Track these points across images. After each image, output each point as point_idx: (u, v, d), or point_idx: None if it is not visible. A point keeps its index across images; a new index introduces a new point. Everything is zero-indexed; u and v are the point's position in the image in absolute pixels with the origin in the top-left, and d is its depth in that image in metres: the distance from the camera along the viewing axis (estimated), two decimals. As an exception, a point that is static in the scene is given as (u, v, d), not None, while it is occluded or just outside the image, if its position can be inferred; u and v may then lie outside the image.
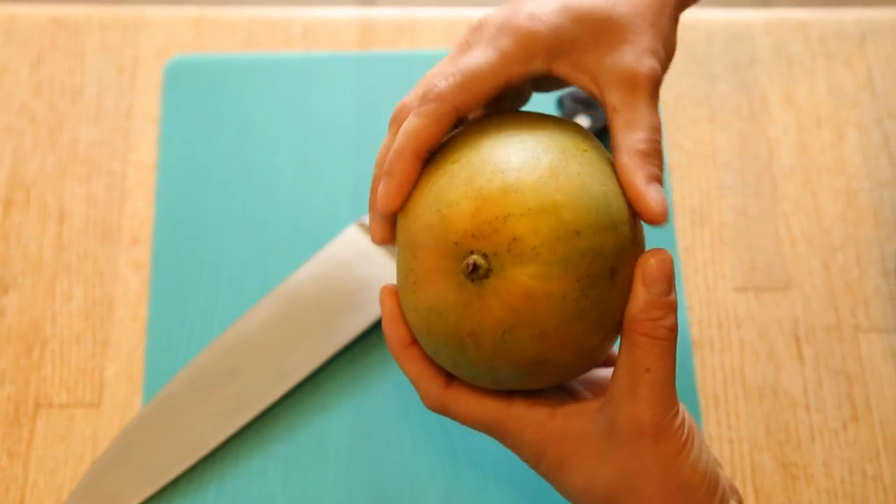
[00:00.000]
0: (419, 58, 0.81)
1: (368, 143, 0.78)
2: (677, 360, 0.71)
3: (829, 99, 0.80)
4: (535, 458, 0.56)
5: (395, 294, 0.56)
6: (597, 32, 0.56)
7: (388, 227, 0.56)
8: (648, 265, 0.53)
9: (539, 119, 0.56)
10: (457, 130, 0.56)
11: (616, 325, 0.54)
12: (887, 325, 0.72)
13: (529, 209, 0.51)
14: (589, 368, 0.55)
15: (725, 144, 0.78)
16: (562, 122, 0.56)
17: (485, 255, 0.51)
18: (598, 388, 0.58)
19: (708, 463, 0.54)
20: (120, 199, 0.76)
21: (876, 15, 0.83)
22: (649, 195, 0.53)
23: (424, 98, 0.55)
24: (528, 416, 0.55)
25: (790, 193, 0.77)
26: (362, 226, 0.73)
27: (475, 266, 0.51)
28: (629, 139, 0.54)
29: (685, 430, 0.54)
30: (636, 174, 0.53)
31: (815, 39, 0.82)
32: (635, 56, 0.55)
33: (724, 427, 0.69)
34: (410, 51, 0.82)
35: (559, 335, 0.52)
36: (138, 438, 0.68)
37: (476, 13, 0.83)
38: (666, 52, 0.58)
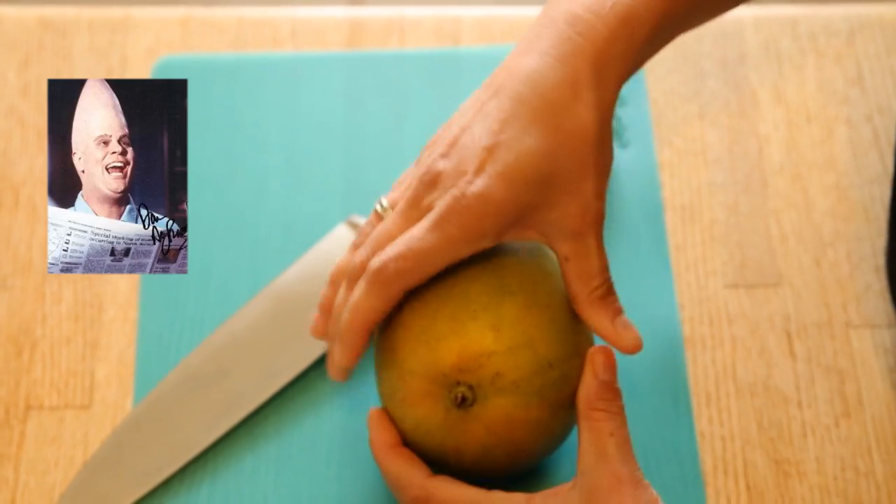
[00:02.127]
0: (408, 57, 0.81)
1: (358, 142, 0.78)
2: (668, 357, 0.71)
3: (819, 95, 0.80)
4: None
5: (383, 416, 0.62)
6: (542, 192, 0.59)
7: (345, 376, 0.63)
8: (597, 359, 0.60)
9: (508, 248, 0.62)
10: None
11: (572, 428, 0.63)
12: (878, 320, 0.72)
13: (510, 347, 0.59)
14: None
15: (715, 141, 0.78)
16: (521, 245, 0.63)
17: (470, 387, 0.59)
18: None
19: None
20: (109, 200, 0.76)
21: (865, 10, 0.83)
22: (620, 334, 0.61)
23: (376, 277, 0.60)
24: (508, 500, 0.59)
25: (780, 190, 0.77)
26: (351, 224, 0.73)
27: (463, 398, 0.59)
28: (586, 290, 0.60)
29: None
30: (603, 320, 0.61)
31: (804, 35, 0.82)
32: (581, 207, 0.59)
33: (716, 424, 0.69)
34: (400, 50, 0.82)
35: (530, 450, 0.61)
36: (129, 439, 0.68)
37: (464, 12, 0.83)
38: (607, 173, 0.60)
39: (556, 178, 0.59)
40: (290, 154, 0.78)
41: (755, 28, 0.82)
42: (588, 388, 0.60)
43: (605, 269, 0.61)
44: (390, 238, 0.61)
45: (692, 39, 0.81)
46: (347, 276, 0.62)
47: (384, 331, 0.62)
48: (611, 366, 0.60)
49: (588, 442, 0.59)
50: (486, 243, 0.60)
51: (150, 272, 0.73)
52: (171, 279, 0.73)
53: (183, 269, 0.73)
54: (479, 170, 0.58)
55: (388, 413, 0.63)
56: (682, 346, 0.71)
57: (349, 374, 0.63)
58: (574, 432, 0.68)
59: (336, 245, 0.73)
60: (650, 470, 0.67)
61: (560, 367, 0.60)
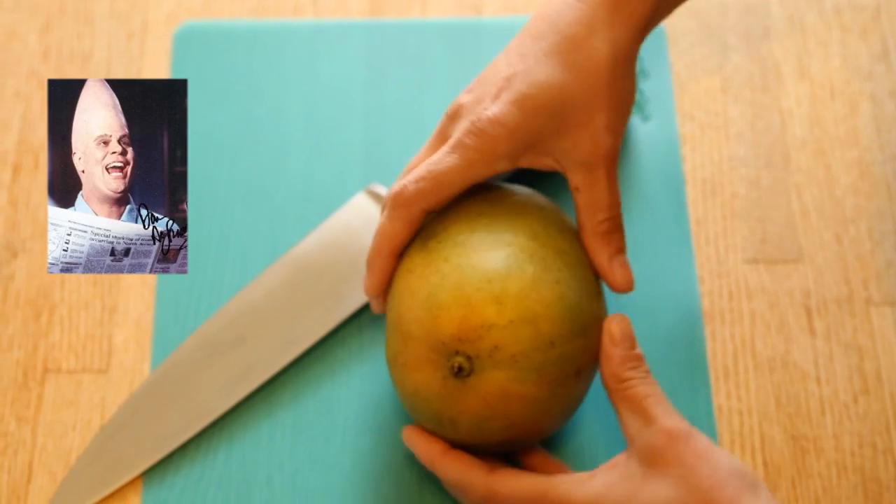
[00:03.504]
0: (430, 26, 0.81)
1: (378, 111, 0.78)
2: (687, 331, 0.71)
3: (843, 70, 0.79)
4: None
5: (418, 429, 0.63)
6: (554, 120, 0.61)
7: (380, 305, 0.65)
8: (614, 329, 0.61)
9: (524, 208, 0.62)
10: (448, 209, 0.63)
11: (575, 407, 0.63)
12: (899, 298, 0.72)
13: (511, 321, 0.59)
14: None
15: (738, 116, 0.78)
16: (542, 207, 0.63)
17: (469, 358, 0.59)
18: None
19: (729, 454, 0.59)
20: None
21: (891, -14, 0.82)
22: (615, 272, 0.62)
23: (396, 201, 0.61)
24: (571, 481, 0.59)
25: (803, 165, 0.76)
26: (371, 193, 0.73)
27: (460, 368, 0.59)
28: (592, 221, 0.62)
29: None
30: (601, 254, 0.62)
31: (829, 10, 0.81)
32: (591, 138, 0.61)
33: (733, 399, 0.69)
34: (421, 19, 0.81)
35: (527, 425, 0.61)
36: (146, 404, 0.68)
37: (488, -19, 0.83)
38: (623, 112, 0.62)
39: (568, 109, 0.61)
40: (310, 122, 0.77)
41: (780, 2, 0.81)
42: (611, 361, 0.61)
43: (614, 204, 0.62)
44: (416, 166, 0.63)
45: (716, 13, 0.81)
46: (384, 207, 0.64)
47: (393, 294, 0.62)
48: (628, 333, 0.61)
49: (628, 411, 0.60)
50: (503, 166, 0.62)
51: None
52: (189, 245, 0.73)
53: (202, 236, 0.73)
54: (495, 97, 0.61)
55: (391, 376, 0.63)
56: (701, 320, 0.71)
57: (383, 303, 0.64)
58: (579, 414, 0.68)
59: (355, 214, 0.72)
60: (667, 443, 0.67)
61: (562, 346, 0.60)
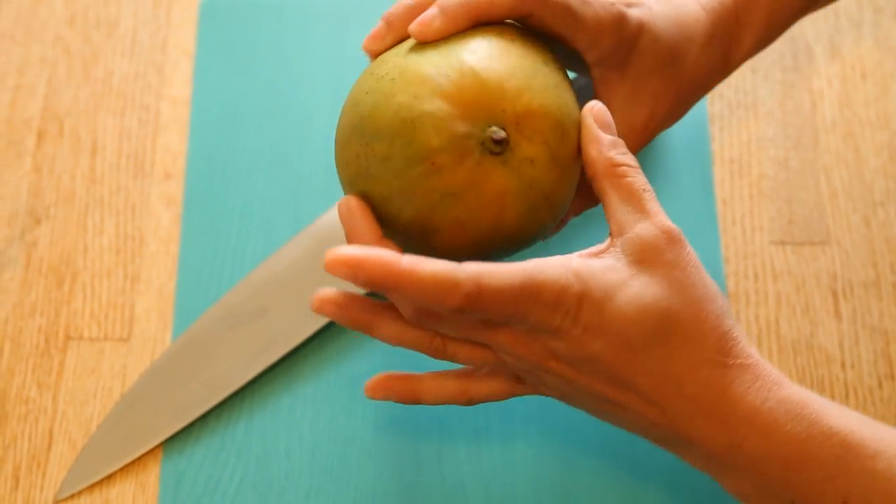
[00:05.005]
0: (458, -1, 0.80)
1: (404, 84, 0.77)
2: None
3: (875, 52, 0.78)
4: (577, 306, 0.52)
5: (362, 209, 0.54)
6: None
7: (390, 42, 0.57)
8: (598, 112, 0.56)
9: (545, 52, 0.58)
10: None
11: (561, 210, 0.57)
12: (926, 282, 0.71)
13: (542, 105, 0.54)
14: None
15: (767, 95, 0.77)
16: (545, 42, 0.59)
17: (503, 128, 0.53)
18: None
19: None
20: (153, 134, 0.76)
21: (926, -33, 0.81)
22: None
23: None
24: (552, 263, 0.53)
25: (832, 147, 0.75)
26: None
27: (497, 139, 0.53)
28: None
29: None
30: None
31: (862, -10, 0.80)
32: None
33: (757, 381, 0.69)
34: (450, -9, 0.81)
35: (544, 198, 0.55)
36: (167, 374, 0.68)
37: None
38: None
39: None
40: (336, 93, 0.77)
41: (813, -19, 0.80)
42: (601, 143, 0.55)
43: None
44: None
45: (748, -9, 0.80)
46: None
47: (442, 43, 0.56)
48: (611, 121, 0.56)
49: (619, 200, 0.55)
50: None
51: (193, 207, 0.73)
52: (213, 215, 0.73)
53: (225, 206, 0.73)
54: None
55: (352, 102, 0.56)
56: (727, 300, 0.71)
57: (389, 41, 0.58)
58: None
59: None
60: (689, 424, 0.67)
61: (575, 135, 0.56)
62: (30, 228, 0.73)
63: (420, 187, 0.54)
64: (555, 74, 0.57)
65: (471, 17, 0.56)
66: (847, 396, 0.68)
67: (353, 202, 0.55)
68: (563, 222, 0.61)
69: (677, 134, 0.75)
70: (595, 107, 0.56)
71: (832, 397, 0.68)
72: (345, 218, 0.55)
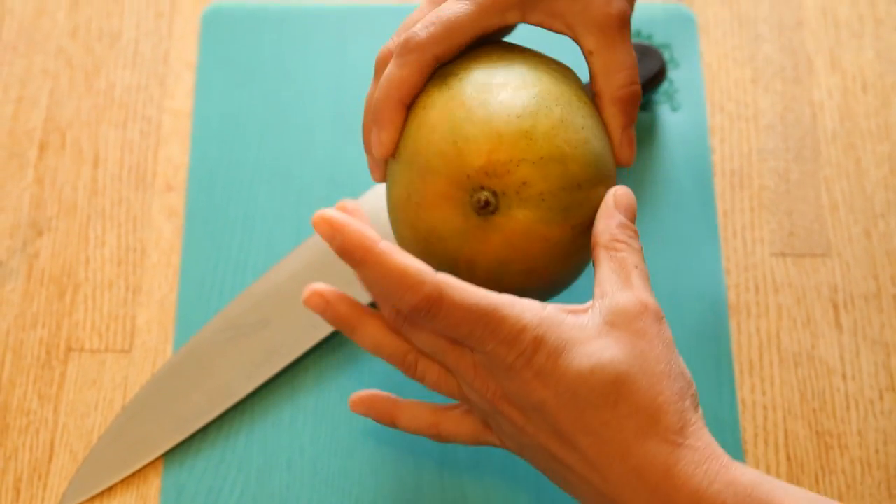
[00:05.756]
0: (460, 11, 0.80)
1: (406, 96, 0.77)
2: (712, 323, 0.70)
3: (876, 63, 0.78)
4: (533, 347, 0.53)
5: (335, 215, 0.54)
6: None
7: (382, 171, 0.60)
8: (620, 194, 0.58)
9: (541, 61, 0.60)
10: (465, 53, 0.59)
11: (588, 262, 0.60)
12: (927, 294, 0.71)
13: (542, 157, 0.56)
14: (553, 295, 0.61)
15: (768, 107, 0.77)
16: (559, 64, 0.61)
17: (494, 193, 0.56)
18: None
19: None
20: (155, 146, 0.76)
21: (927, -21, 0.81)
22: (623, 144, 0.60)
23: (405, 47, 0.58)
24: (524, 303, 0.54)
25: (833, 158, 0.76)
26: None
27: (486, 202, 0.56)
28: (611, 85, 0.59)
29: None
30: (616, 121, 0.60)
31: (863, 2, 0.80)
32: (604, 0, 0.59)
33: (758, 393, 0.69)
34: (451, 3, 0.81)
35: (546, 271, 0.58)
36: (168, 385, 0.68)
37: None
38: None
39: None
40: (338, 106, 0.77)
41: (813, -7, 0.81)
42: (609, 220, 0.57)
43: (631, 66, 0.59)
44: (417, 22, 0.60)
45: (749, 3, 0.80)
46: (377, 67, 0.60)
47: (405, 137, 0.58)
48: (633, 207, 0.58)
49: (610, 270, 0.56)
50: (514, 17, 0.59)
51: (194, 219, 0.73)
52: (214, 226, 0.73)
53: (227, 217, 0.73)
54: None
55: (392, 223, 0.59)
56: (727, 312, 0.71)
57: (384, 167, 0.60)
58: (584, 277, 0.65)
59: (382, 199, 0.72)
60: (690, 436, 0.67)
61: (588, 190, 0.57)
62: (31, 240, 0.73)
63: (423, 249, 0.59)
64: (579, 112, 0.58)
65: (402, 102, 0.58)
66: (847, 408, 0.68)
67: (341, 213, 0.56)
68: None
69: (678, 146, 0.76)
70: (619, 190, 0.58)
71: (832, 409, 0.68)
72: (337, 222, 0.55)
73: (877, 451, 0.67)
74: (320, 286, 0.57)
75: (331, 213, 0.54)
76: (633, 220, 0.58)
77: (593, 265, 0.57)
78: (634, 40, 0.77)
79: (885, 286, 0.72)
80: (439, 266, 0.58)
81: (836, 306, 0.71)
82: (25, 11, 0.80)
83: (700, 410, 0.54)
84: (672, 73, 0.77)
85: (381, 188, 0.72)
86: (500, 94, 0.57)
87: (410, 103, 0.58)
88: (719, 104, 0.77)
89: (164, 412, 0.67)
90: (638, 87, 0.60)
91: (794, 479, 0.66)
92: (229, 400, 0.68)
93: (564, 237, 0.57)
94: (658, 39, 0.78)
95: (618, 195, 0.58)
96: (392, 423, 0.60)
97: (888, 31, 0.79)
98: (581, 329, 0.54)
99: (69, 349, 0.70)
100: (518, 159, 0.56)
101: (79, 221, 0.74)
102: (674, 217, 0.73)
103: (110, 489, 0.66)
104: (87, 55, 0.79)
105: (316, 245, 0.71)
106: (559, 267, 0.58)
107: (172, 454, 0.67)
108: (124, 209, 0.74)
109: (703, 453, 0.53)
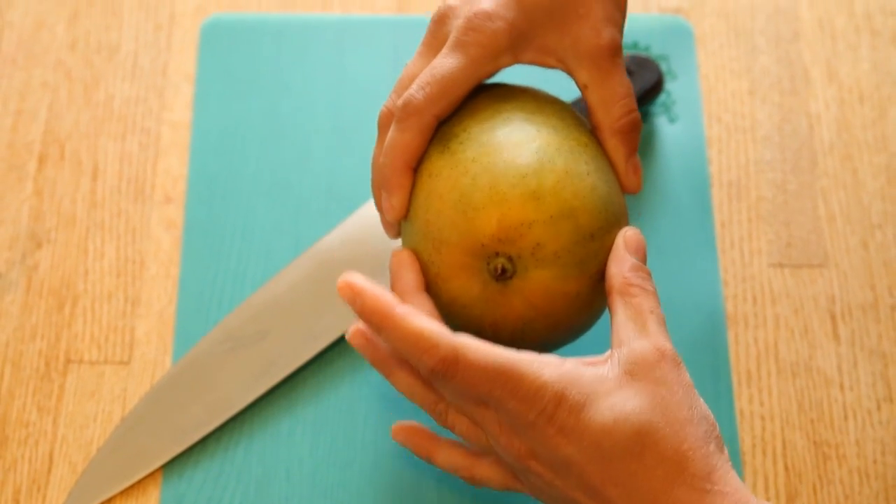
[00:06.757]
0: (458, 23, 0.81)
1: (404, 107, 0.78)
2: (710, 334, 0.70)
3: (873, 74, 0.79)
4: (554, 403, 0.53)
5: (357, 277, 0.56)
6: (551, 14, 0.59)
7: (396, 229, 0.61)
8: (630, 236, 0.58)
9: (536, 105, 0.60)
10: (463, 105, 0.60)
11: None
12: (925, 305, 0.71)
13: (551, 216, 0.56)
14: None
15: (765, 118, 0.77)
16: (554, 103, 0.61)
17: (510, 258, 0.57)
18: None
19: None
20: (154, 158, 0.76)
21: (923, -9, 0.81)
22: (629, 173, 0.60)
23: (405, 111, 0.59)
24: (542, 359, 0.54)
25: (830, 170, 0.76)
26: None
27: (503, 270, 0.57)
28: (607, 118, 0.60)
29: None
30: (619, 152, 0.60)
31: (860, 14, 0.81)
32: (592, 30, 0.59)
33: (756, 403, 0.69)
34: (449, 16, 0.81)
35: (570, 323, 0.59)
36: (167, 397, 0.68)
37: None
38: (619, 4, 0.60)
39: (565, 3, 0.59)
40: (336, 118, 0.77)
41: (810, 5, 0.81)
42: (622, 264, 0.57)
43: (627, 94, 0.60)
44: (412, 77, 0.60)
45: (745, 15, 0.80)
46: (380, 125, 0.61)
47: (415, 203, 0.59)
48: (643, 247, 0.58)
49: (626, 317, 0.56)
50: (506, 61, 0.60)
51: (193, 231, 0.73)
52: (213, 238, 0.73)
53: (225, 229, 0.73)
54: None
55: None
56: (725, 323, 0.71)
57: (399, 226, 0.61)
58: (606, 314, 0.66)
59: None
60: (688, 447, 0.67)
61: (601, 238, 0.58)
62: (31, 252, 0.73)
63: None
64: (584, 164, 0.58)
65: (408, 165, 0.59)
66: (846, 419, 0.68)
67: (405, 255, 0.59)
68: None
69: (676, 157, 0.76)
70: (628, 232, 0.58)
71: (830, 420, 0.68)
72: (393, 267, 0.59)
73: (875, 462, 0.67)
74: (363, 326, 0.58)
75: (353, 277, 0.55)
76: (644, 259, 0.58)
77: (609, 311, 0.58)
78: (632, 52, 0.77)
79: (882, 296, 0.72)
80: (465, 328, 0.59)
81: (833, 317, 0.71)
82: (25, 24, 0.80)
83: (726, 452, 0.54)
84: (669, 85, 0.78)
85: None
86: (502, 154, 0.57)
87: (416, 165, 0.59)
88: (716, 115, 0.77)
89: (163, 424, 0.68)
90: (636, 115, 0.60)
91: (791, 489, 0.66)
92: (228, 411, 0.68)
93: (584, 288, 0.58)
94: (655, 51, 0.79)
95: (627, 237, 0.58)
96: (428, 459, 0.60)
97: (884, 42, 0.80)
98: (602, 381, 0.54)
99: (68, 361, 0.70)
100: (529, 221, 0.56)
101: (78, 233, 0.74)
102: (671, 228, 0.74)
103: (109, 501, 0.66)
104: (86, 68, 0.79)
105: (314, 256, 0.72)
106: (583, 316, 0.59)
107: (171, 466, 0.67)
108: (123, 221, 0.74)
109: (732, 498, 0.53)
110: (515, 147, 0.58)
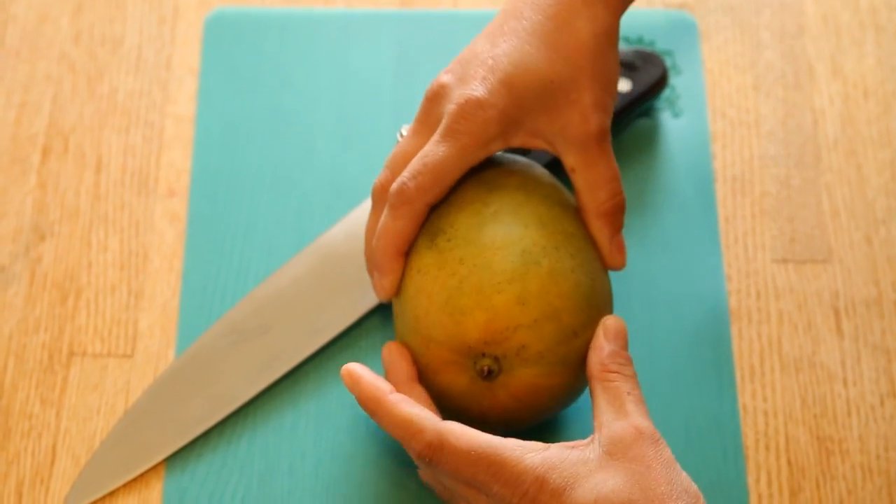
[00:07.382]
0: (461, 17, 0.81)
1: (407, 102, 0.78)
2: (714, 330, 0.70)
3: (878, 70, 0.79)
4: (536, 487, 0.56)
5: (361, 367, 0.61)
6: (541, 99, 0.61)
7: (389, 298, 0.64)
8: (609, 325, 0.61)
9: (525, 196, 0.62)
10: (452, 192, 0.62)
11: None
12: (928, 301, 0.71)
13: (535, 320, 0.59)
14: None
15: (770, 113, 0.77)
16: (541, 185, 0.63)
17: (496, 359, 0.60)
18: None
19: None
20: (157, 151, 0.76)
21: (928, -14, 0.81)
22: (613, 253, 0.63)
23: (398, 199, 0.61)
24: (525, 446, 0.57)
25: (834, 165, 0.76)
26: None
27: (489, 371, 0.60)
28: (593, 201, 0.62)
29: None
30: (604, 234, 0.62)
31: (864, 9, 0.80)
32: (581, 116, 0.61)
33: (759, 399, 0.69)
34: (452, 10, 0.81)
35: (555, 409, 0.63)
36: (171, 390, 0.68)
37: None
38: (609, 89, 0.62)
39: (554, 87, 0.61)
40: (340, 112, 0.77)
41: (815, 0, 0.81)
42: (600, 352, 0.60)
43: (614, 179, 0.62)
44: (406, 157, 0.63)
45: (750, 10, 0.80)
46: (374, 199, 0.64)
47: (406, 295, 0.62)
48: (622, 334, 0.61)
49: (605, 401, 0.59)
50: (496, 147, 0.62)
51: (196, 224, 0.73)
52: (216, 232, 0.73)
53: (229, 223, 0.73)
54: (482, 78, 0.61)
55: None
56: (728, 318, 0.71)
57: (392, 295, 0.64)
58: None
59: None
60: (691, 442, 0.67)
61: (583, 333, 0.61)
62: (34, 244, 0.73)
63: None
64: (568, 260, 0.61)
65: (399, 251, 0.62)
66: (849, 414, 0.68)
67: (395, 348, 0.62)
68: None
69: (680, 152, 0.76)
70: (608, 321, 0.61)
71: (833, 415, 0.68)
72: (386, 358, 0.62)
73: (878, 457, 0.67)
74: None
75: (353, 367, 0.60)
76: (624, 346, 0.60)
77: (590, 396, 0.60)
78: (636, 46, 0.77)
79: (885, 292, 0.72)
80: (456, 415, 0.61)
81: (837, 312, 0.71)
82: (28, 17, 0.80)
83: None
84: (674, 80, 0.78)
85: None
86: (488, 256, 0.60)
87: (408, 248, 0.62)
88: (721, 110, 0.77)
89: (166, 417, 0.68)
90: (622, 198, 0.62)
91: (795, 484, 0.66)
92: (231, 405, 0.68)
93: (567, 381, 0.61)
94: (660, 46, 0.79)
95: (607, 326, 0.61)
96: None
97: (889, 38, 0.80)
98: (584, 463, 0.56)
99: (71, 353, 0.70)
100: (514, 326, 0.59)
101: (81, 226, 0.74)
102: (675, 223, 0.74)
103: (112, 494, 0.66)
104: (90, 60, 0.79)
105: (317, 251, 0.72)
106: (568, 402, 0.63)
107: (174, 459, 0.67)
108: (127, 214, 0.74)
109: None
110: (501, 250, 0.60)
